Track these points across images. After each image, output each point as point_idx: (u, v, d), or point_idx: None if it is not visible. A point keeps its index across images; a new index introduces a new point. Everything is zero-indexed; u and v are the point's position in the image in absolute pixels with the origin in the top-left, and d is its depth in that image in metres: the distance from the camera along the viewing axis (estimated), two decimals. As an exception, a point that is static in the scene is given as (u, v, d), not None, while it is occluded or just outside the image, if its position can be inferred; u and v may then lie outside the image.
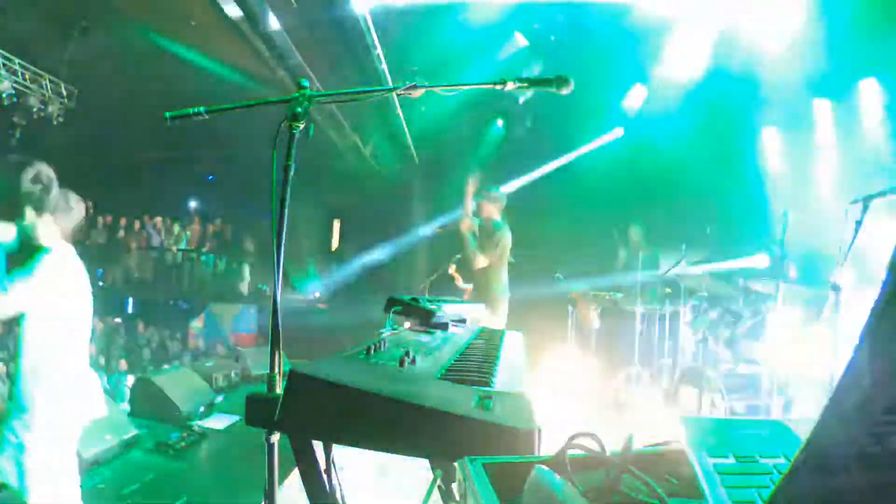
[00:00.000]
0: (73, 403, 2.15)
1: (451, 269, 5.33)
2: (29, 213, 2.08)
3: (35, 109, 8.38)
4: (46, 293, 2.03)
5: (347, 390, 0.98)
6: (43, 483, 2.01)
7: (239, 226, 11.96)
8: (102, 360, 7.48)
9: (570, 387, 6.52)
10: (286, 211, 1.28)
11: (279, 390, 1.12)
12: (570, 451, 0.69)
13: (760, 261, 6.58)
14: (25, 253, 2.04)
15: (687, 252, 5.69)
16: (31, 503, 1.98)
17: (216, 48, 6.99)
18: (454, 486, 0.77)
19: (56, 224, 2.16)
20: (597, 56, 6.48)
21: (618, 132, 8.19)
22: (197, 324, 9.93)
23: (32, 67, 8.23)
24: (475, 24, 6.27)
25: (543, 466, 0.67)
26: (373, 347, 1.31)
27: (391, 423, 0.96)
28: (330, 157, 9.39)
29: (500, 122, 8.96)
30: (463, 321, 2.34)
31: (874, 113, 6.07)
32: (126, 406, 5.76)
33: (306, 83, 1.39)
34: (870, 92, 6.04)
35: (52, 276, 2.05)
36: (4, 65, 7.80)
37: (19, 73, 8.08)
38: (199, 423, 5.28)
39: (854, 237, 2.94)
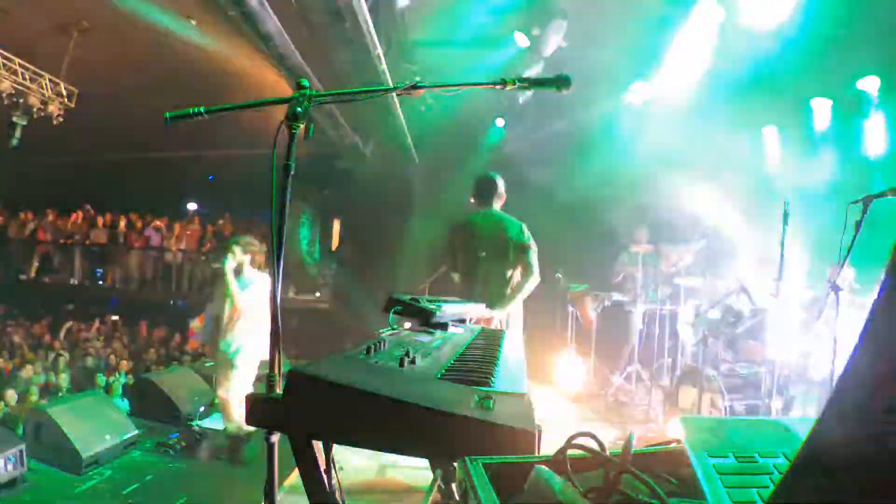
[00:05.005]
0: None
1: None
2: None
3: (35, 109, 8.38)
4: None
5: (347, 390, 0.98)
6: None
7: (239, 226, 11.94)
8: (104, 361, 7.48)
9: (569, 386, 6.52)
10: (286, 211, 1.27)
11: (279, 390, 1.12)
12: (570, 451, 0.69)
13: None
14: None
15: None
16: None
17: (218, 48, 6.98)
18: (454, 485, 0.77)
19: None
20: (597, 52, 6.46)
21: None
22: (197, 324, 9.89)
23: (32, 67, 8.23)
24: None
25: (543, 466, 0.67)
26: (373, 347, 1.31)
27: (391, 423, 0.96)
28: (330, 157, 9.38)
29: (500, 122, 8.94)
30: (463, 321, 2.34)
31: (873, 112, 6.06)
32: (126, 406, 5.76)
33: (306, 83, 1.38)
34: (869, 90, 6.02)
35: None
36: (4, 65, 7.79)
37: (19, 73, 8.08)
38: (199, 423, 5.28)
39: (854, 237, 2.93)
